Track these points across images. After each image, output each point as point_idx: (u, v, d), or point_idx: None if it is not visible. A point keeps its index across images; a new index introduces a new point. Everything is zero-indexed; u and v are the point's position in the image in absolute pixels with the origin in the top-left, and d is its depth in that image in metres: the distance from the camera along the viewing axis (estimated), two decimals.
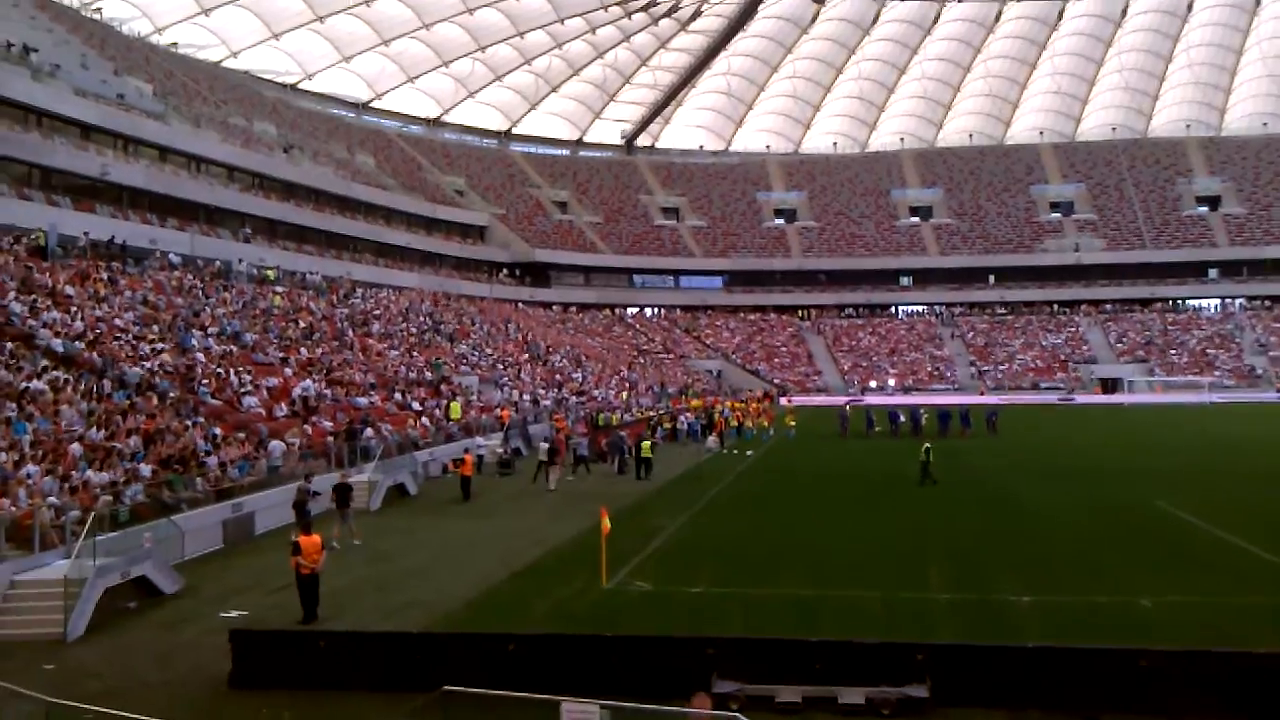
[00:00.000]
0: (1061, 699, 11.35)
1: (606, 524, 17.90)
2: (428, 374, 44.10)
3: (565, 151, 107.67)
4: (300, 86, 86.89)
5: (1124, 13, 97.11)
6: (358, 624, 15.10)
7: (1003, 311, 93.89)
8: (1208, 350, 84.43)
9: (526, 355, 61.76)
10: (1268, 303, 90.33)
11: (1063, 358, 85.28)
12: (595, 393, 58.37)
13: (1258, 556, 19.08)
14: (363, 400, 35.00)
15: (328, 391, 34.22)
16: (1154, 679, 11.22)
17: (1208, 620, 14.61)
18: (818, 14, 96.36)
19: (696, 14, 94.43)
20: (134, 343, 30.04)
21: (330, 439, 29.20)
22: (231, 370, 31.29)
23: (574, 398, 54.54)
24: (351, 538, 21.94)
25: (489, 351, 57.72)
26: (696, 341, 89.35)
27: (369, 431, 30.91)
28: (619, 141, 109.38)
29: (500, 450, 35.39)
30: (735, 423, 49.24)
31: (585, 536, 21.17)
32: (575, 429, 40.70)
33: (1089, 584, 17.15)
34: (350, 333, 45.15)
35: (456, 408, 39.49)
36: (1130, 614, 15.19)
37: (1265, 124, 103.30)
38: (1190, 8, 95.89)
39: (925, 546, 20.59)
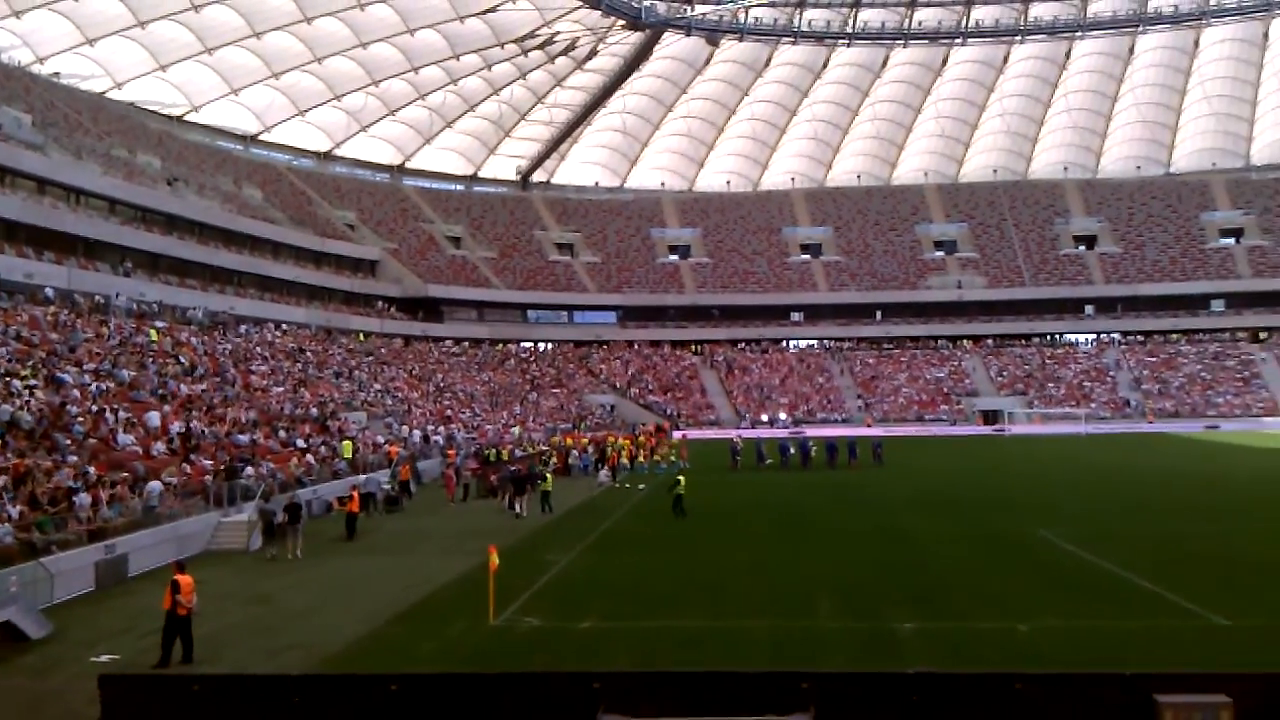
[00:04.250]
0: None
1: (495, 560, 17.76)
2: (313, 410, 43.26)
3: (460, 187, 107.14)
4: (187, 119, 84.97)
5: (1005, 60, 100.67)
6: (235, 667, 14.69)
7: (889, 346, 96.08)
8: (1084, 383, 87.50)
9: (417, 391, 61.06)
10: (1140, 338, 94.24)
11: (946, 390, 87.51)
12: (487, 428, 57.94)
13: (1130, 582, 19.76)
14: (244, 438, 34.17)
15: (208, 429, 33.34)
16: (1029, 702, 11.50)
17: (1081, 644, 15.09)
18: (712, 56, 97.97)
19: (592, 53, 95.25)
20: (5, 379, 28.88)
21: (209, 478, 28.42)
22: (107, 408, 30.28)
23: (465, 433, 54.06)
24: (296, 550, 24.48)
25: (378, 387, 56.92)
26: (590, 376, 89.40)
27: (250, 470, 30.18)
28: (514, 177, 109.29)
29: (387, 486, 34.86)
30: (628, 457, 49.30)
31: (473, 574, 20.96)
32: (466, 464, 40.33)
33: (971, 610, 17.58)
34: (232, 369, 44.09)
35: (349, 446, 38.83)
36: (1009, 639, 15.60)
37: (1139, 167, 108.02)
38: (1069, 55, 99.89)
39: (814, 576, 20.85)
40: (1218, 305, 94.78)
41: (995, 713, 11.61)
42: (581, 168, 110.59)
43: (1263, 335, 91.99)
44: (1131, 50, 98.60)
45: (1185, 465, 47.20)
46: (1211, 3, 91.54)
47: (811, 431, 69.41)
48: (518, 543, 25.99)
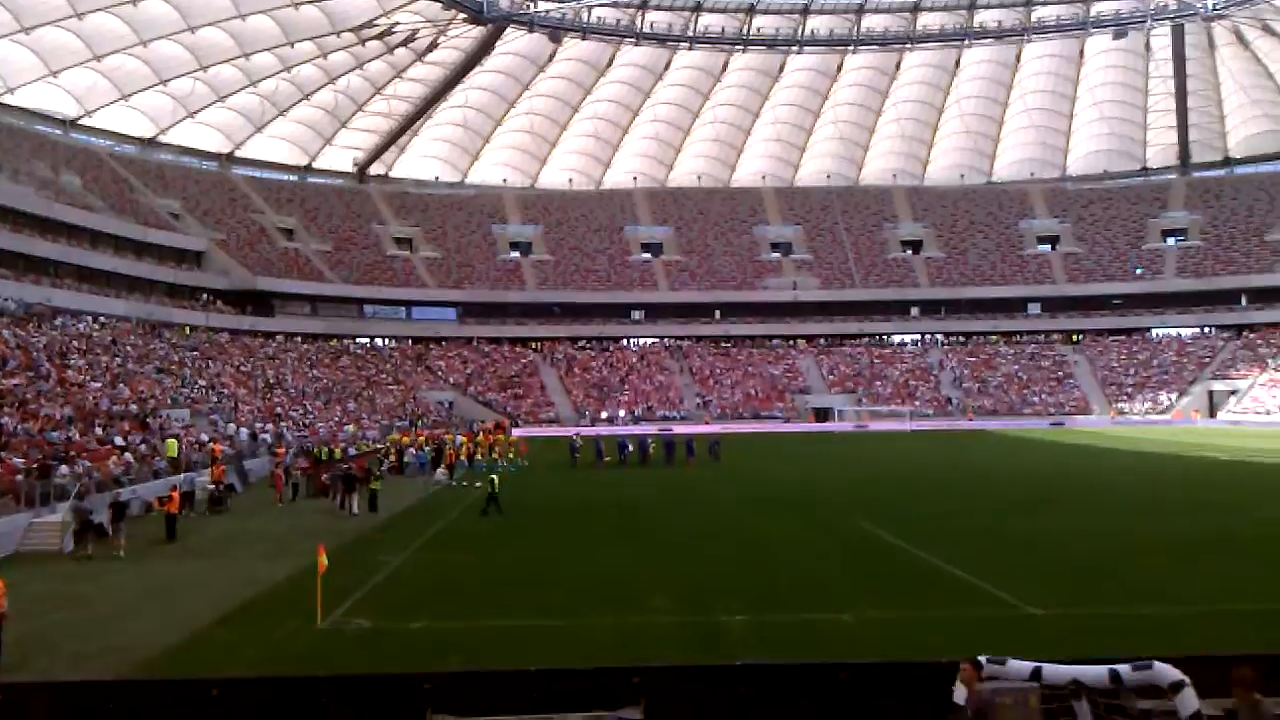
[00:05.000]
0: (770, 713, 11.75)
1: (323, 561, 17.28)
2: (133, 407, 41.32)
3: (293, 177, 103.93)
4: (2, 100, 79.99)
5: (839, 68, 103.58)
6: (45, 674, 13.89)
7: (727, 344, 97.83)
8: (909, 382, 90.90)
9: (245, 388, 59.02)
10: (962, 339, 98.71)
11: (780, 388, 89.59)
12: (319, 426, 56.44)
13: (949, 573, 20.53)
14: (58, 435, 32.38)
15: (20, 426, 31.47)
16: (852, 691, 11.79)
17: (902, 634, 15.60)
18: (555, 53, 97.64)
19: (433, 45, 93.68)
20: None
21: (20, 476, 26.83)
22: None
23: (296, 431, 52.54)
24: (120, 550, 23.54)
25: (203, 383, 54.78)
26: (428, 373, 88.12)
27: (64, 468, 28.62)
28: (351, 169, 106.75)
29: (212, 486, 33.56)
30: (466, 455, 48.76)
31: (301, 575, 20.35)
32: (296, 463, 39.17)
33: (799, 603, 17.98)
34: (46, 363, 41.75)
35: (173, 445, 37.22)
36: (834, 630, 16.00)
37: (963, 175, 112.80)
38: (899, 66, 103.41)
39: (649, 573, 20.97)
40: (1034, 309, 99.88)
41: (820, 702, 11.87)
42: (421, 161, 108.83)
43: (1076, 338, 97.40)
44: (958, 63, 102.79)
45: (1003, 461, 49.50)
46: (1034, 19, 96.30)
47: (651, 429, 70.11)
48: (348, 543, 25.39)
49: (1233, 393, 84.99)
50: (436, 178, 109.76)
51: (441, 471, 42.24)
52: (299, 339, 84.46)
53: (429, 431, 62.39)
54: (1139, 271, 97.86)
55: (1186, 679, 8.23)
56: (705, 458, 49.56)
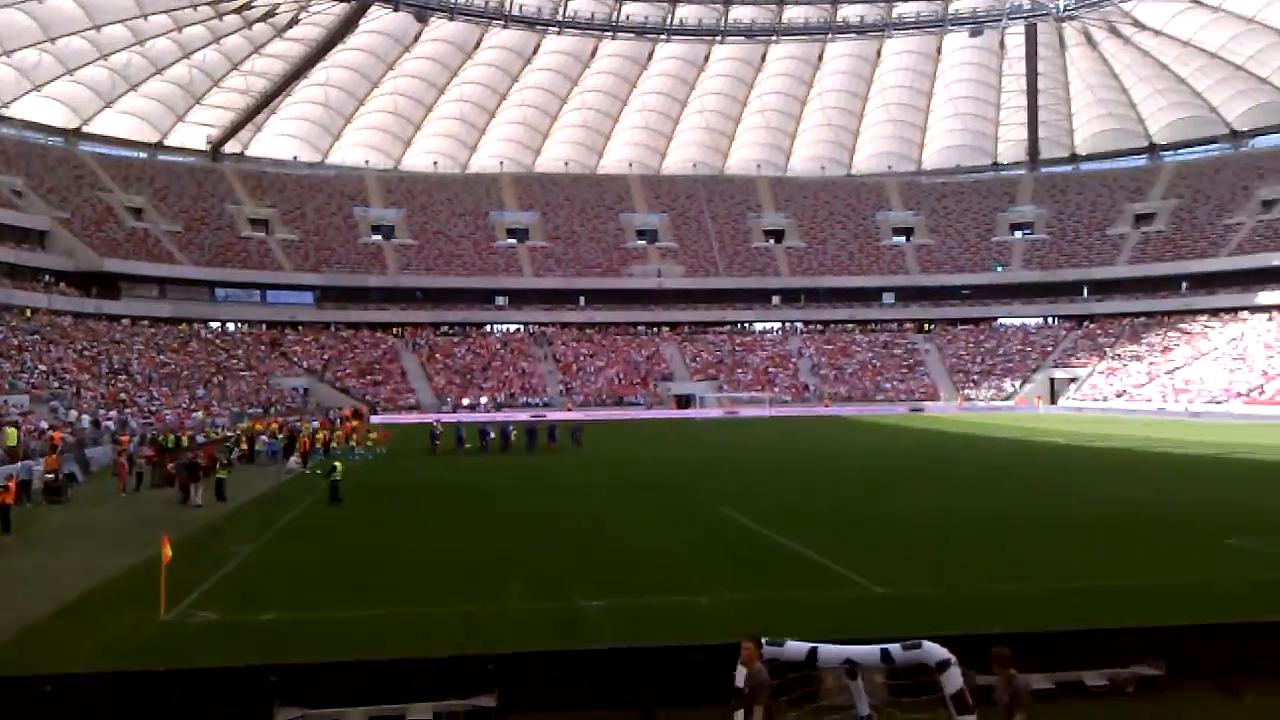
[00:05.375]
0: (623, 697, 11.83)
1: (168, 552, 16.69)
2: None
3: (143, 154, 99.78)
4: None
5: (707, 58, 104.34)
6: None
7: (591, 331, 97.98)
8: (769, 369, 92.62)
9: (88, 373, 56.58)
10: (820, 327, 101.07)
11: (644, 375, 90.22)
12: (166, 413, 54.47)
13: (802, 555, 20.98)
14: None
15: None
16: (705, 672, 11.93)
17: (754, 615, 15.86)
18: (420, 33, 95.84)
19: (294, 21, 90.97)
20: None
21: None
22: None
23: (142, 418, 50.62)
24: None
25: (43, 369, 52.30)
26: (283, 358, 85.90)
27: None
28: (205, 147, 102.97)
29: (50, 475, 32.09)
30: (321, 442, 47.70)
31: (144, 567, 19.61)
32: (140, 451, 37.73)
33: (656, 587, 18.12)
34: None
35: (12, 433, 35.48)
36: (690, 613, 16.20)
37: (823, 167, 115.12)
38: (764, 58, 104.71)
39: (508, 559, 20.87)
40: (889, 298, 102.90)
41: (673, 683, 12.02)
42: (280, 141, 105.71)
43: (927, 327, 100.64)
44: (821, 57, 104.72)
45: (857, 445, 50.83)
46: (894, 15, 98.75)
47: (519, 416, 69.82)
48: (195, 534, 24.57)
49: (1073, 380, 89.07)
50: (295, 158, 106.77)
51: (295, 460, 41.26)
52: (146, 323, 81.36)
53: (282, 419, 60.80)
54: (999, 270, 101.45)
55: (953, 657, 8.58)
56: (568, 444, 49.58)
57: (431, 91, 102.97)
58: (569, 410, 78.69)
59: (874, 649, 8.89)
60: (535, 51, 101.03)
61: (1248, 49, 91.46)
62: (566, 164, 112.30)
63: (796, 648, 9.21)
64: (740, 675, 9.42)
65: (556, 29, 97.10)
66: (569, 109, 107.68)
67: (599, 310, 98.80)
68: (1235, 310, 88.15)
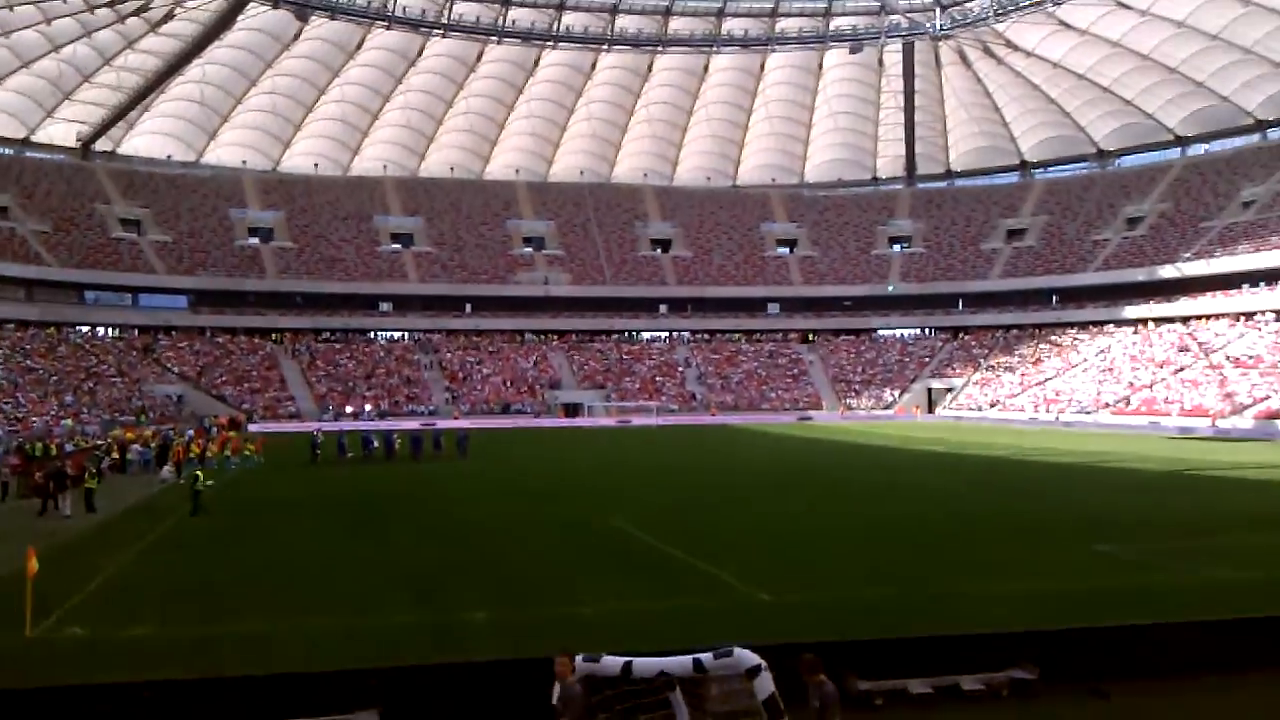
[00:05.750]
0: (509, 710, 11.69)
1: (33, 565, 15.94)
2: None
3: (9, 151, 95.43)
4: None
5: (593, 66, 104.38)
6: None
7: (477, 339, 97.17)
8: (657, 378, 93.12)
9: None
10: (707, 336, 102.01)
11: (531, 383, 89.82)
12: (33, 420, 52.22)
13: (688, 563, 21.07)
14: None
15: None
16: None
17: (638, 624, 15.88)
18: (300, 32, 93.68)
19: (169, 16, 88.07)
20: None
21: None
22: None
23: (6, 426, 48.43)
24: None
25: None
26: (157, 364, 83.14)
27: None
28: (74, 145, 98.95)
29: None
30: (196, 451, 46.26)
31: (7, 581, 18.69)
32: (5, 461, 36.07)
33: (541, 598, 18.01)
34: None
35: None
36: (574, 623, 16.10)
37: (709, 178, 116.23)
38: (651, 68, 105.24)
39: (389, 571, 20.51)
40: (774, 308, 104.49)
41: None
42: (153, 139, 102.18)
43: (811, 337, 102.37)
44: (706, 68, 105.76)
45: (742, 454, 51.42)
46: (777, 30, 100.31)
47: (406, 425, 68.86)
48: (63, 546, 23.56)
49: (949, 390, 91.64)
50: (170, 157, 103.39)
51: (168, 469, 39.93)
52: (12, 326, 77.96)
53: (155, 427, 58.83)
54: (891, 289, 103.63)
55: (764, 663, 8.75)
56: (453, 453, 49.03)
57: (312, 91, 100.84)
58: (455, 418, 77.86)
59: (687, 659, 8.98)
60: (419, 54, 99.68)
61: (1114, 71, 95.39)
62: (452, 169, 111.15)
63: (612, 662, 9.25)
64: (555, 691, 9.41)
65: (441, 32, 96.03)
66: (455, 113, 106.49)
67: (486, 318, 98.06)
68: (1102, 323, 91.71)
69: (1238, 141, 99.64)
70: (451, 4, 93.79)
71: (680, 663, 8.99)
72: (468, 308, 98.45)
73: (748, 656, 8.70)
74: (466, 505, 31.08)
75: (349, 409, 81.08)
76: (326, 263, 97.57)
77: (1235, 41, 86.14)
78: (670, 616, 16.46)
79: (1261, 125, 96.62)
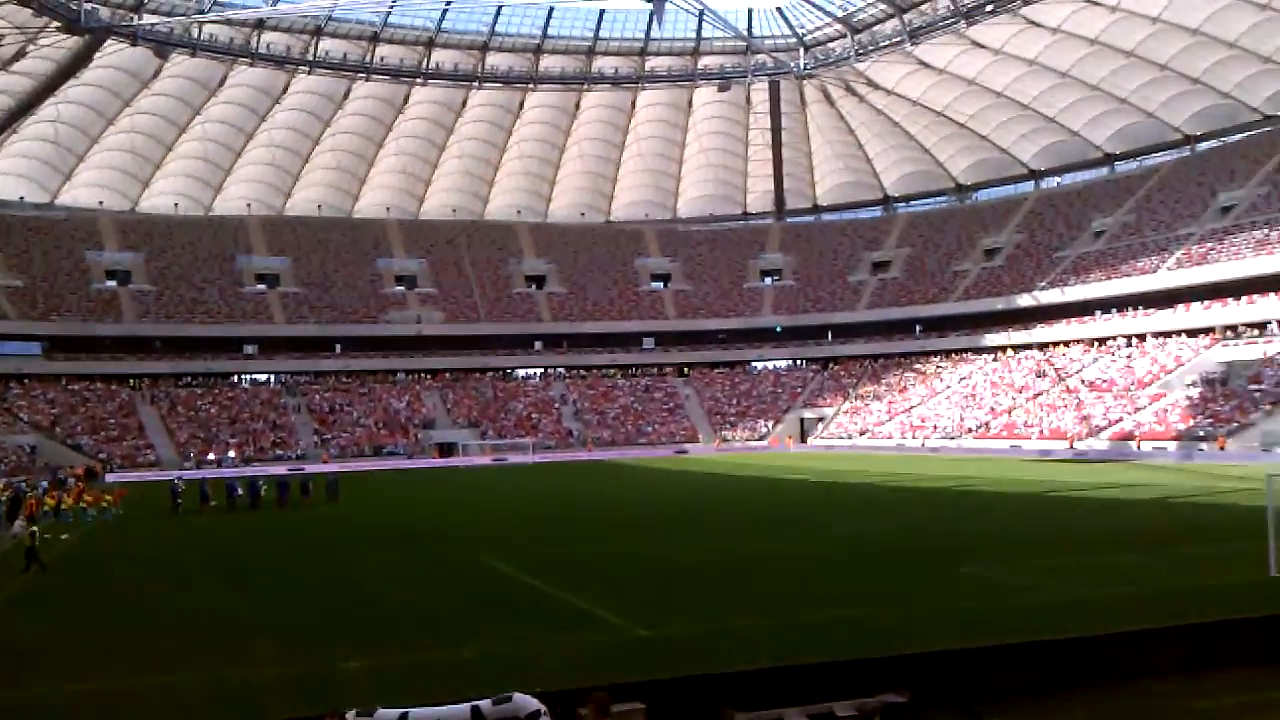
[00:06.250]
0: None
1: None
2: None
3: None
4: None
5: (464, 103, 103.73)
6: None
7: (348, 380, 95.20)
8: (533, 415, 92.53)
9: None
10: (583, 372, 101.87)
11: (404, 423, 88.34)
12: None
13: (566, 601, 20.81)
14: None
15: None
16: None
17: (520, 665, 15.54)
18: (160, 69, 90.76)
19: (20, 54, 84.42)
20: None
21: None
22: None
23: None
24: None
25: None
26: (8, 414, 79.20)
27: None
28: None
29: None
30: (50, 503, 44.05)
31: None
32: None
33: (418, 642, 17.53)
34: None
35: None
36: (453, 666, 15.69)
37: (583, 214, 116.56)
38: (523, 105, 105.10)
39: (256, 622, 19.74)
40: (649, 343, 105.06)
41: None
42: (4, 180, 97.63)
43: (686, 370, 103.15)
44: (578, 105, 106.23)
45: (618, 489, 51.31)
46: (647, 68, 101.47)
47: (264, 470, 66.84)
48: None
49: (820, 420, 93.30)
50: (21, 198, 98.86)
51: (20, 524, 37.85)
52: None
53: (6, 480, 55.92)
54: (779, 330, 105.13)
55: (543, 708, 8.73)
56: (323, 498, 47.74)
57: (172, 130, 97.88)
58: (324, 462, 76.00)
59: (464, 707, 8.95)
60: (285, 90, 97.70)
61: (970, 109, 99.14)
62: (319, 207, 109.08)
63: (387, 714, 9.23)
64: None
65: (307, 69, 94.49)
66: (322, 150, 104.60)
67: (356, 358, 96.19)
68: (964, 351, 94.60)
69: (1088, 175, 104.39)
70: (318, 41, 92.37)
71: (458, 712, 8.86)
72: (337, 348, 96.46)
73: (527, 702, 8.65)
74: (336, 551, 30.24)
75: (211, 456, 78.39)
76: (188, 305, 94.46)
77: (1083, 79, 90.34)
78: (549, 655, 16.19)
79: (1110, 159, 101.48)
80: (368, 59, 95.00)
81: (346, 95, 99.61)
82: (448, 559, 27.69)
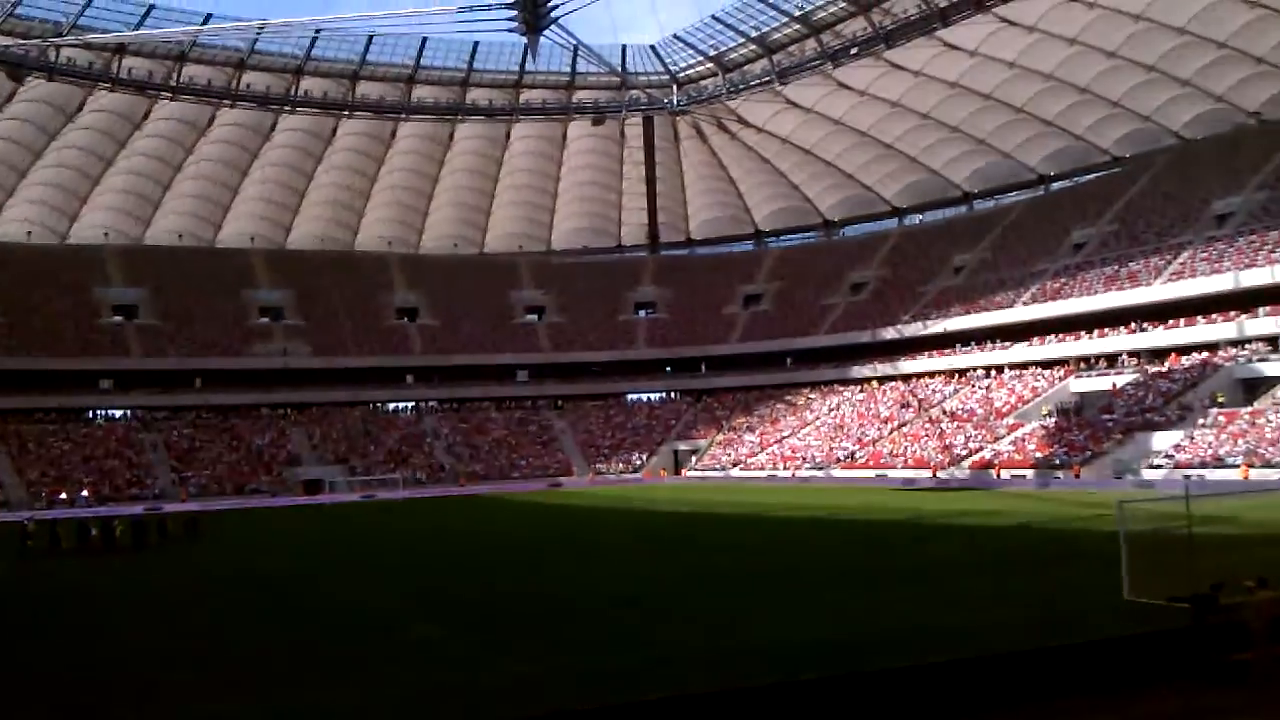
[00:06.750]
0: None
1: None
2: None
3: None
4: None
5: (334, 133, 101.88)
6: None
7: (209, 415, 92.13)
8: (403, 448, 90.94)
9: None
10: (455, 405, 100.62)
11: (268, 460, 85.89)
12: None
13: (433, 638, 20.35)
14: None
15: None
16: None
17: (372, 712, 15.07)
18: (15, 93, 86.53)
19: None
20: None
21: None
22: None
23: None
24: None
25: None
26: None
27: None
28: None
29: None
30: None
31: None
32: None
33: (278, 691, 16.85)
34: None
35: None
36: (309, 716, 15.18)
37: (456, 245, 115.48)
38: (394, 135, 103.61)
39: (108, 672, 18.78)
40: (523, 375, 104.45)
41: None
42: None
43: (560, 403, 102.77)
44: (452, 136, 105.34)
45: (486, 523, 50.71)
46: (521, 101, 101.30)
47: (120, 510, 64.05)
48: None
49: (694, 452, 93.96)
50: None
51: None
52: None
53: None
54: (669, 369, 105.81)
55: None
56: (181, 538, 45.95)
57: (27, 155, 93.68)
58: (183, 500, 73.30)
59: None
60: (145, 117, 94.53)
61: (836, 147, 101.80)
62: (181, 236, 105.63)
63: None
64: None
65: (170, 94, 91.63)
66: (183, 178, 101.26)
67: (218, 393, 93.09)
68: (833, 383, 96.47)
69: (948, 212, 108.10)
70: (181, 67, 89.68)
71: None
72: (198, 382, 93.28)
73: None
74: (185, 594, 29.08)
75: (63, 495, 74.84)
76: (39, 337, 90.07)
77: (943, 120, 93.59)
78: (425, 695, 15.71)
79: (969, 197, 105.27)
80: (234, 85, 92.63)
81: (211, 122, 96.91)
82: (305, 601, 26.93)
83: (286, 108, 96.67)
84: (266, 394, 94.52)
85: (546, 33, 78.17)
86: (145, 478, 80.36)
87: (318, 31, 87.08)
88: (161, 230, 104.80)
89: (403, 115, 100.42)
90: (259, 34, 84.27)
